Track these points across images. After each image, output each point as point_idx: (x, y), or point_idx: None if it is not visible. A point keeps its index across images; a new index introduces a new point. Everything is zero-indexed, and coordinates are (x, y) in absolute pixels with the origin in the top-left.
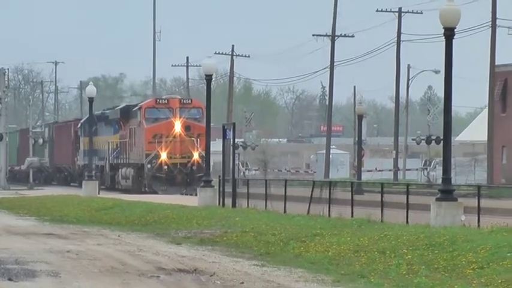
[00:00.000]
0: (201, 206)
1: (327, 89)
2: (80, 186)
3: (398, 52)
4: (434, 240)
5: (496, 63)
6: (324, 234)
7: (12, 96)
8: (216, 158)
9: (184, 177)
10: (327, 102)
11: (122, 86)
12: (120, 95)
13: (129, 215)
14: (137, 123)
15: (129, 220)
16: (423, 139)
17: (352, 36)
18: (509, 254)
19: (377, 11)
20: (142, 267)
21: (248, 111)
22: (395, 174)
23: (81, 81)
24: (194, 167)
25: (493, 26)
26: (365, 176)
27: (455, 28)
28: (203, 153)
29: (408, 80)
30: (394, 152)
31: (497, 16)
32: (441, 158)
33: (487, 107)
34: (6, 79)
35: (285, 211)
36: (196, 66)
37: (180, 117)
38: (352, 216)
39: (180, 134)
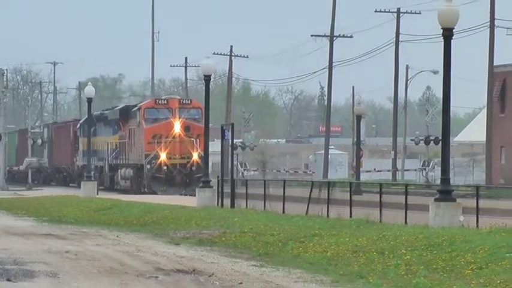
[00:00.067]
0: (199, 207)
1: (326, 89)
2: (79, 186)
3: (396, 52)
4: (433, 241)
5: (495, 63)
6: (322, 234)
7: (11, 97)
8: (214, 159)
9: (184, 177)
10: (326, 103)
11: (121, 86)
12: (118, 96)
13: (128, 215)
14: (136, 124)
15: (128, 220)
16: (422, 139)
17: (351, 36)
18: (507, 255)
19: (375, 11)
20: (141, 267)
21: (247, 112)
22: (394, 175)
23: (79, 82)
24: (193, 168)
25: (492, 27)
26: (363, 177)
27: (453, 28)
28: (202, 154)
29: (407, 80)
30: (392, 152)
31: (496, 16)
32: (440, 159)
33: (485, 108)
34: (4, 79)
35: (283, 211)
36: (195, 66)
37: (179, 118)
38: (350, 216)
39: (179, 135)
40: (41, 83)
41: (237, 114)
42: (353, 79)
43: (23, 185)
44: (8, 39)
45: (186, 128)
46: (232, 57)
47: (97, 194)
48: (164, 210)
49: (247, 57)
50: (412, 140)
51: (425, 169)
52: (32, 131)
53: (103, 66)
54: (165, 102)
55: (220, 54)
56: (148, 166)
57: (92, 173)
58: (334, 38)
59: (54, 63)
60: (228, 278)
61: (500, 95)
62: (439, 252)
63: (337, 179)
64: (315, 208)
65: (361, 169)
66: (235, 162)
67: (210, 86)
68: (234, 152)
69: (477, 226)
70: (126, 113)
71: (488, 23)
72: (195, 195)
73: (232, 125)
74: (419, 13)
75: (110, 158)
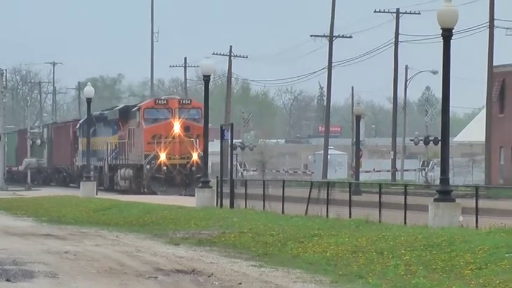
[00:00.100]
0: (199, 207)
1: (325, 89)
2: (79, 187)
3: (396, 53)
4: (432, 241)
5: (494, 63)
6: (322, 234)
7: (10, 97)
8: (214, 159)
9: (184, 178)
10: (325, 103)
11: (120, 86)
12: (118, 96)
13: (127, 215)
14: (136, 124)
15: (127, 221)
16: (421, 140)
17: (350, 37)
18: (507, 255)
19: (375, 11)
20: (140, 268)
21: (246, 112)
22: (393, 175)
23: (79, 82)
24: (193, 168)
25: (491, 27)
26: (363, 177)
27: (453, 29)
28: (202, 154)
29: (406, 80)
30: (392, 152)
31: (495, 17)
32: (439, 159)
33: (485, 108)
34: (4, 80)
35: (283, 212)
36: (194, 66)
37: (179, 118)
38: (350, 216)
39: (179, 135)
40: (40, 83)
41: (237, 114)
42: (352, 79)
43: (22, 185)
44: (8, 39)
45: (186, 128)
46: (232, 58)
47: (96, 194)
48: (164, 211)
49: (246, 57)
50: (411, 140)
51: (424, 169)
52: (31, 131)
53: (102, 66)
54: (165, 102)
55: (220, 54)
56: (148, 166)
57: (92, 173)
58: (334, 38)
59: (54, 64)
60: (228, 278)
61: (499, 95)
62: (438, 252)
63: (336, 179)
64: (314, 208)
65: (360, 169)
66: (234, 163)
67: (210, 86)
68: (234, 152)
69: (476, 226)
70: (126, 113)
71: (488, 23)
72: (194, 196)
73: (232, 125)
74: (419, 13)
75: (109, 158)
